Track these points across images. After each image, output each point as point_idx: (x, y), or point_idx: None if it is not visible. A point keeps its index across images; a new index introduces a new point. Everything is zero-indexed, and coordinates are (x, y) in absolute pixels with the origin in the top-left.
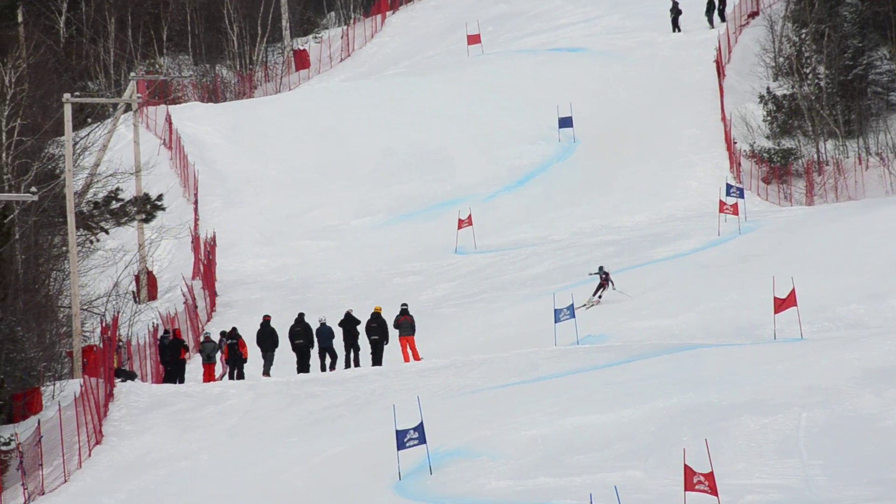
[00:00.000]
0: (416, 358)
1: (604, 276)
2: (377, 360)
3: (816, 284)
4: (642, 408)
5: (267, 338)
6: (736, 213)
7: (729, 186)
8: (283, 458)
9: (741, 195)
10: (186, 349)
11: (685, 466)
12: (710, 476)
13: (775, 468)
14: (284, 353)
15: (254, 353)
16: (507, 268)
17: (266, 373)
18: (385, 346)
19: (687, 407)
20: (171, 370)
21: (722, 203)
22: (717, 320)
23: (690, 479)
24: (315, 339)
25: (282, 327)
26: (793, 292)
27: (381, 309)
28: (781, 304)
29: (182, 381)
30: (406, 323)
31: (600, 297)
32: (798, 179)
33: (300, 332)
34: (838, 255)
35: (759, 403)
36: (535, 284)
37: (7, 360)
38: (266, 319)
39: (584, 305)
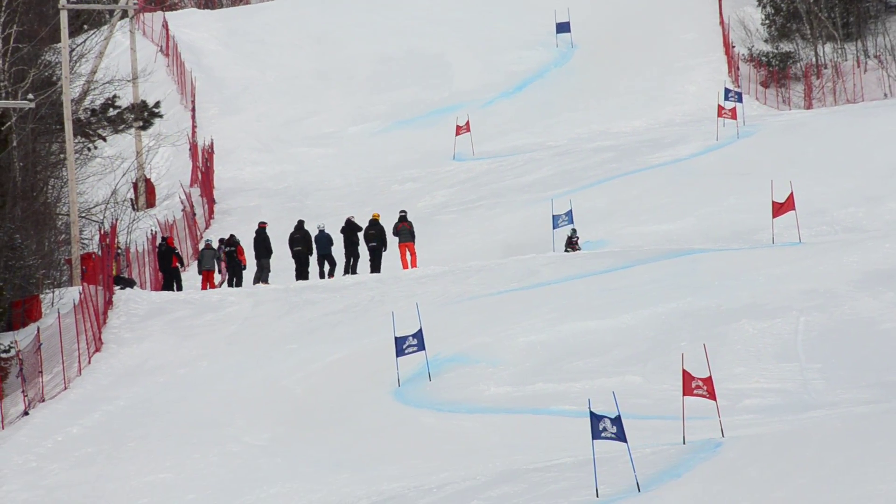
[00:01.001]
0: (414, 265)
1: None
2: (376, 267)
3: (814, 188)
4: (641, 313)
5: (262, 245)
6: (734, 117)
7: (727, 91)
8: (281, 365)
9: (739, 99)
10: (179, 258)
11: (683, 371)
12: (708, 381)
13: (773, 372)
14: (284, 260)
15: (253, 261)
16: (506, 174)
17: (261, 280)
18: (384, 253)
19: (685, 312)
20: (167, 278)
21: (720, 107)
22: (715, 225)
23: (689, 384)
24: (314, 247)
25: (280, 234)
26: (791, 196)
27: (379, 216)
28: (780, 209)
29: (179, 288)
30: (405, 230)
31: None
32: (796, 83)
33: (299, 240)
34: (836, 158)
35: (757, 308)
36: (534, 190)
37: (6, 267)
38: (261, 226)
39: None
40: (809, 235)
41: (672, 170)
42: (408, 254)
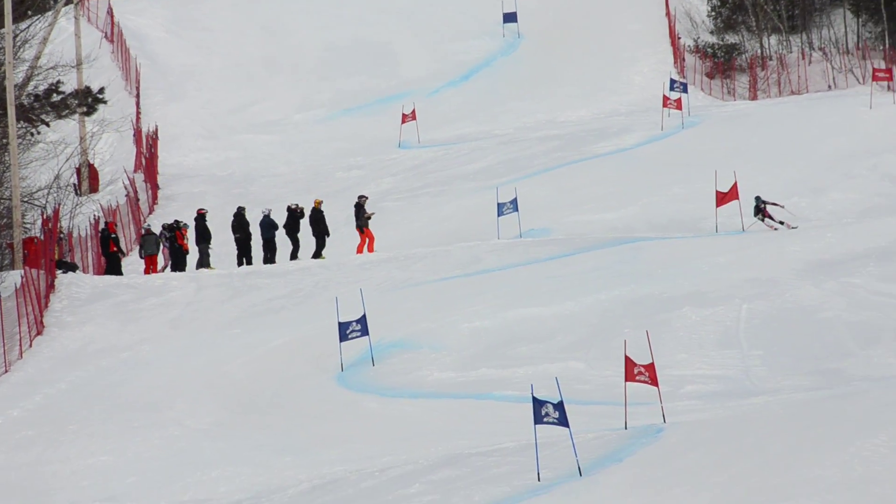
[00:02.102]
0: (371, 250)
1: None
2: (318, 253)
3: (758, 178)
4: (584, 300)
5: (200, 232)
6: (679, 107)
7: (672, 81)
8: (225, 350)
9: (685, 90)
10: (115, 242)
11: (626, 358)
12: (650, 367)
13: (715, 359)
14: (228, 245)
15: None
16: (451, 162)
17: (202, 265)
18: (327, 239)
19: (628, 299)
20: (110, 262)
21: (665, 98)
22: (659, 214)
23: (631, 371)
24: (259, 231)
25: (225, 221)
26: (735, 186)
27: (321, 202)
28: (723, 198)
29: (118, 273)
30: (366, 215)
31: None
32: (741, 74)
33: (236, 227)
34: (780, 149)
35: (700, 295)
36: (479, 179)
37: None
38: (200, 213)
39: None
40: (752, 224)
41: (617, 159)
42: (366, 240)
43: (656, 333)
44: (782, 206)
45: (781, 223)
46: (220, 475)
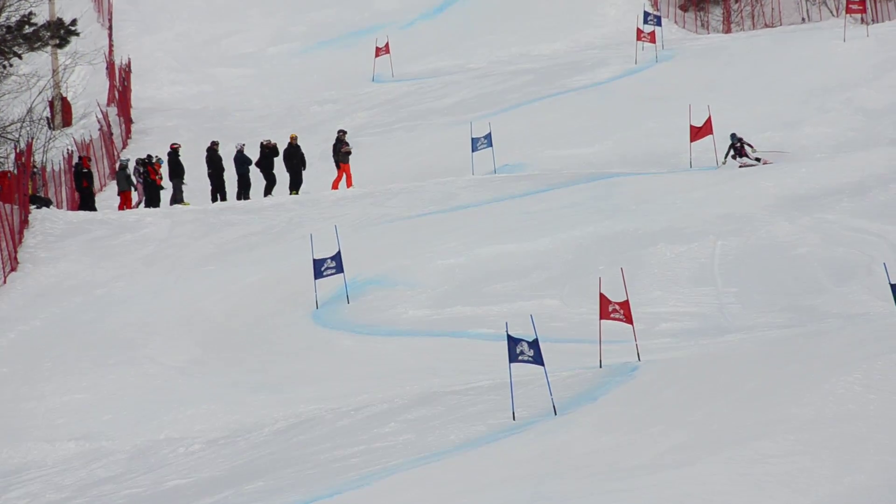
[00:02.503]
0: (349, 185)
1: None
2: (295, 187)
3: (732, 112)
4: (558, 237)
5: (173, 167)
6: (653, 41)
7: (646, 14)
8: (199, 287)
9: (658, 23)
10: (86, 177)
11: (600, 295)
12: (625, 304)
13: (690, 296)
14: (202, 180)
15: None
16: (425, 96)
17: (175, 201)
18: (302, 173)
19: (603, 236)
20: (83, 198)
21: (639, 31)
22: (633, 149)
23: (606, 308)
24: (232, 166)
25: (198, 155)
26: (709, 120)
27: (296, 137)
28: (697, 133)
29: (92, 209)
30: (345, 149)
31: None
32: (715, 7)
33: (209, 161)
34: (754, 83)
35: (674, 232)
36: (453, 113)
37: None
38: (173, 148)
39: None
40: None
41: (591, 93)
42: (343, 175)
43: (631, 270)
44: (754, 148)
45: (758, 160)
46: (196, 413)
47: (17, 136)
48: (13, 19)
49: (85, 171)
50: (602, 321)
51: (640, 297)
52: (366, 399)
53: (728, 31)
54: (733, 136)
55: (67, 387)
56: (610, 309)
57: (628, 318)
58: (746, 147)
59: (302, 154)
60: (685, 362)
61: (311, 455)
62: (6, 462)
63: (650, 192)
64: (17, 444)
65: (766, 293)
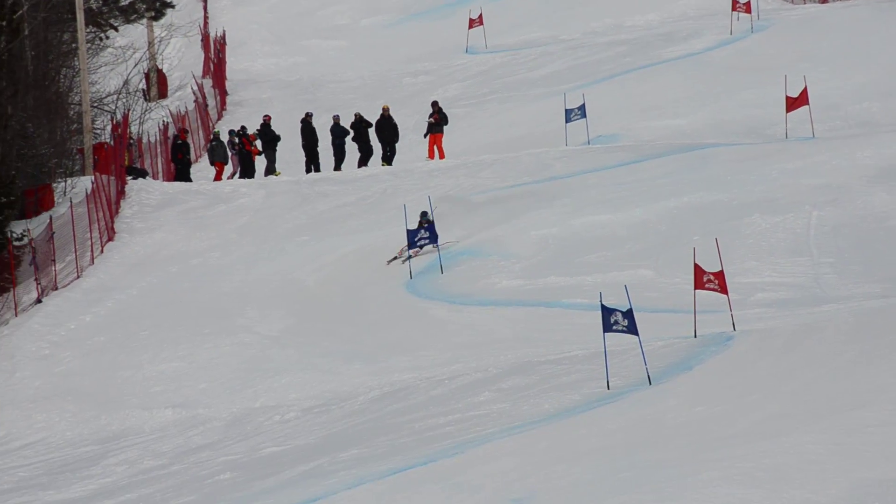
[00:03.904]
0: (441, 156)
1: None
2: (388, 159)
3: (828, 83)
4: (653, 207)
5: (266, 138)
6: (748, 11)
7: None
8: (293, 257)
9: None
10: (181, 150)
11: (695, 265)
12: (720, 275)
13: (785, 266)
14: (297, 152)
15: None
16: (518, 67)
17: (269, 172)
18: (396, 146)
19: (698, 206)
20: (179, 169)
21: (734, 1)
22: (728, 120)
23: (701, 278)
24: (327, 137)
25: (292, 127)
26: (805, 91)
27: (388, 108)
28: (793, 103)
29: (187, 180)
30: (436, 121)
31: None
32: None
33: (303, 132)
34: (851, 53)
35: (769, 202)
36: (546, 84)
37: (18, 156)
38: (266, 120)
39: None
40: (823, 130)
41: (685, 64)
42: (435, 146)
43: (726, 241)
44: None
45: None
46: (290, 382)
47: (113, 107)
48: None
49: (180, 142)
50: (697, 291)
51: (735, 267)
52: (460, 368)
53: (824, 0)
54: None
55: (164, 355)
56: (704, 279)
57: (723, 288)
58: None
59: (395, 125)
60: (781, 332)
61: (405, 423)
62: (105, 429)
63: (745, 163)
64: (116, 412)
65: (862, 263)
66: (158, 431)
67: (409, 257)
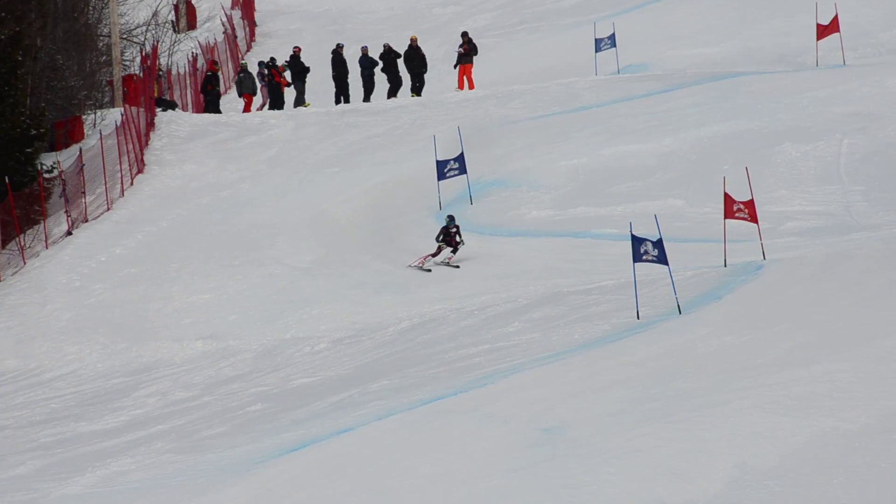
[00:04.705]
0: (471, 87)
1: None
2: (417, 90)
3: (860, 10)
4: (683, 136)
5: (295, 69)
6: None
7: None
8: (324, 188)
9: None
10: (210, 82)
11: (725, 194)
12: (749, 204)
13: (815, 195)
14: (326, 83)
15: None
16: None
17: (299, 103)
18: (425, 76)
19: (728, 135)
20: (208, 101)
21: None
22: (758, 48)
23: (730, 207)
24: (356, 69)
25: (321, 58)
26: (835, 18)
27: (417, 39)
28: (824, 31)
29: (216, 111)
30: (466, 51)
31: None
32: None
33: (333, 63)
34: None
35: (800, 131)
36: (576, 14)
37: (48, 88)
38: (295, 51)
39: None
40: (854, 58)
41: None
42: (464, 77)
43: (756, 169)
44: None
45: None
46: (321, 313)
47: (142, 39)
48: None
49: (209, 74)
50: (727, 220)
51: (765, 196)
52: (489, 299)
53: None
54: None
55: (194, 287)
56: (735, 208)
57: (753, 217)
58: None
59: (423, 56)
60: (811, 261)
61: (435, 354)
62: (136, 360)
63: (776, 91)
64: (147, 344)
65: (892, 191)
66: (189, 363)
67: (432, 263)
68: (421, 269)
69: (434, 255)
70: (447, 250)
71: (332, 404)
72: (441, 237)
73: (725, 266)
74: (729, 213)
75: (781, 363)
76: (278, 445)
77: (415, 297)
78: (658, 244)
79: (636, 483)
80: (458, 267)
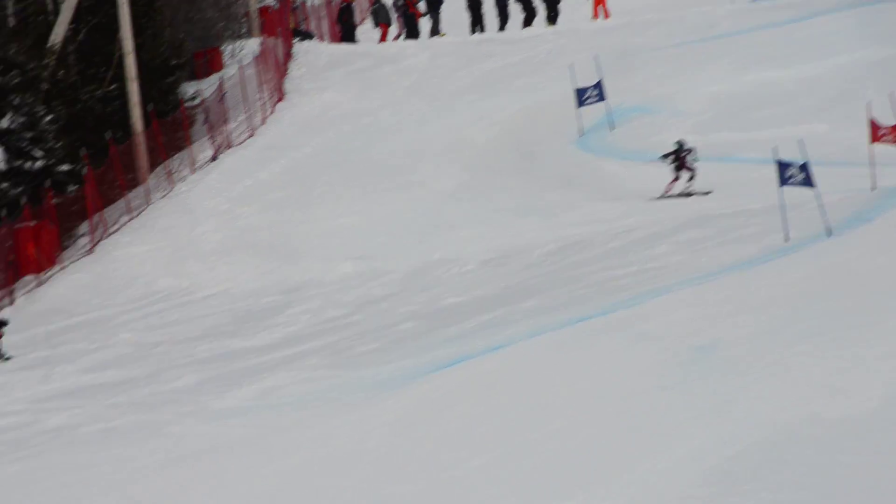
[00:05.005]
0: (606, 16)
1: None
2: (552, 19)
3: None
4: (825, 63)
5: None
6: None
7: None
8: (463, 116)
9: None
10: (346, 12)
11: (870, 120)
12: (895, 128)
13: None
14: (460, 13)
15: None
16: None
17: (434, 33)
18: (559, 6)
19: (870, 61)
20: (345, 31)
21: None
22: None
23: (876, 132)
24: None
25: None
26: None
27: None
28: None
29: (353, 41)
30: None
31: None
32: None
33: None
34: None
35: None
36: None
37: (185, 19)
38: None
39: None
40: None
41: None
42: (599, 5)
43: None
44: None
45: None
46: (467, 235)
47: None
48: None
49: (344, 5)
50: (873, 144)
51: None
52: (635, 221)
53: None
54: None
55: (339, 211)
56: (880, 133)
57: None
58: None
59: None
60: None
61: (582, 276)
62: (287, 280)
63: None
64: (296, 263)
65: None
66: (339, 283)
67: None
68: (667, 196)
69: (674, 182)
70: (685, 176)
71: (482, 323)
72: (672, 161)
73: (874, 189)
74: (875, 137)
75: None
76: (431, 361)
77: (560, 221)
78: (804, 167)
79: (791, 399)
80: (708, 193)
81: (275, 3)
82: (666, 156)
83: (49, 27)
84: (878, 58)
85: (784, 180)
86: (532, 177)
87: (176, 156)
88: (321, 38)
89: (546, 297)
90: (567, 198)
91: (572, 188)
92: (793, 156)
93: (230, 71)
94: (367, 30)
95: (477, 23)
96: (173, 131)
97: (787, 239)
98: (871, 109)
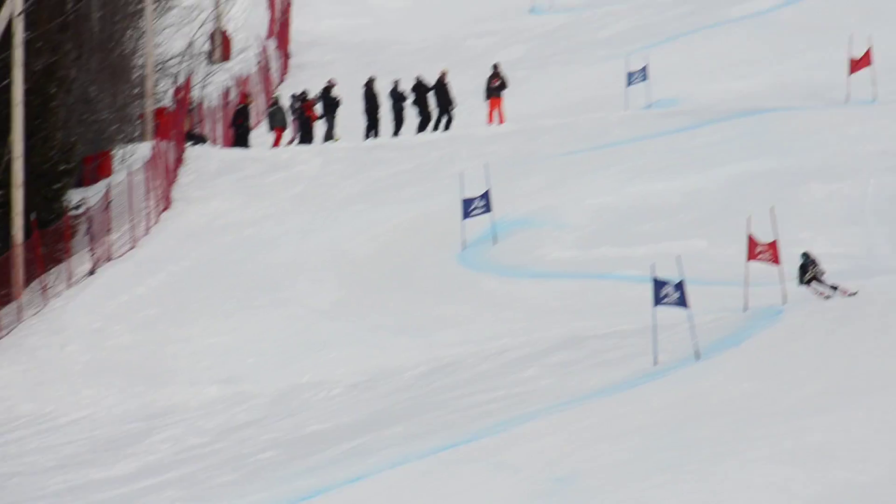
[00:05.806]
0: (501, 121)
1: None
2: (446, 124)
3: (893, 43)
4: (709, 174)
5: (327, 102)
6: None
7: None
8: (347, 227)
9: None
10: (241, 115)
11: (749, 236)
12: (773, 245)
13: (840, 236)
14: (357, 117)
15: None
16: (583, 28)
17: (329, 137)
18: (453, 111)
19: (754, 173)
20: (238, 135)
21: None
22: (790, 82)
23: (754, 249)
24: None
25: (354, 89)
26: (868, 52)
27: (447, 73)
28: (856, 65)
29: (246, 146)
30: (496, 84)
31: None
32: None
33: (365, 97)
34: None
35: (827, 169)
36: (610, 46)
37: (79, 121)
38: (330, 83)
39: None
40: (886, 93)
41: (750, 24)
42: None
43: (781, 209)
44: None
45: (834, 289)
46: (338, 357)
47: (176, 71)
48: None
49: (241, 106)
50: (749, 262)
51: (789, 237)
52: (508, 342)
53: None
54: (806, 255)
55: (213, 329)
56: (757, 250)
57: (776, 259)
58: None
59: (447, 90)
60: (831, 305)
61: (451, 400)
62: (151, 405)
63: (804, 128)
64: (163, 388)
65: None
66: (204, 408)
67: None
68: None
69: (827, 297)
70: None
71: (344, 451)
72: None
73: (745, 310)
74: (752, 254)
75: (796, 412)
76: (289, 494)
77: (433, 340)
78: (679, 287)
79: None
80: (854, 294)
81: (171, 104)
82: (802, 279)
83: None
84: (762, 169)
85: (658, 300)
86: (410, 292)
87: (53, 269)
88: (214, 141)
89: (412, 424)
90: (443, 315)
91: (450, 305)
92: (670, 273)
93: (119, 177)
94: (261, 133)
95: (372, 127)
96: (54, 242)
97: (655, 362)
98: (751, 225)
